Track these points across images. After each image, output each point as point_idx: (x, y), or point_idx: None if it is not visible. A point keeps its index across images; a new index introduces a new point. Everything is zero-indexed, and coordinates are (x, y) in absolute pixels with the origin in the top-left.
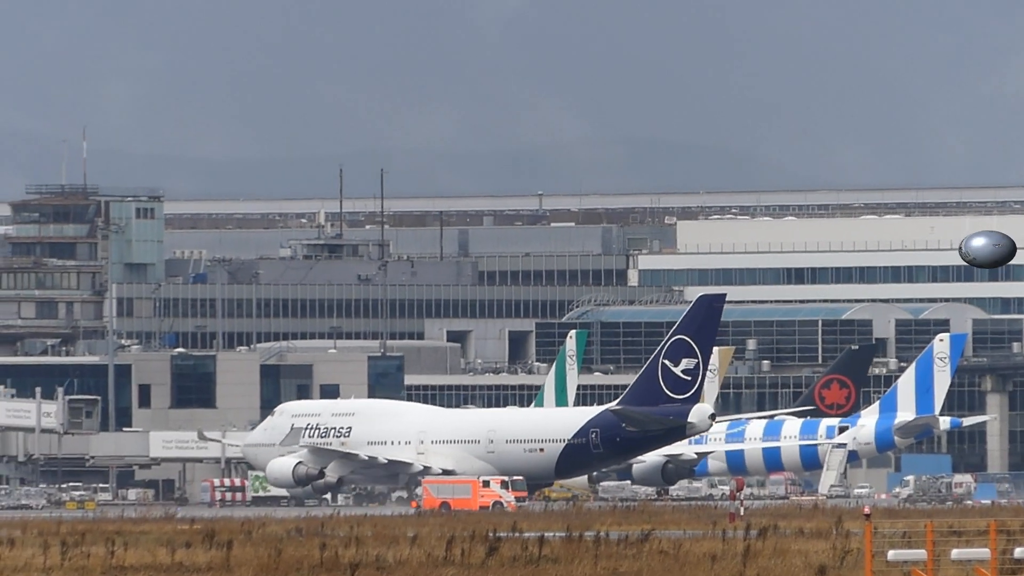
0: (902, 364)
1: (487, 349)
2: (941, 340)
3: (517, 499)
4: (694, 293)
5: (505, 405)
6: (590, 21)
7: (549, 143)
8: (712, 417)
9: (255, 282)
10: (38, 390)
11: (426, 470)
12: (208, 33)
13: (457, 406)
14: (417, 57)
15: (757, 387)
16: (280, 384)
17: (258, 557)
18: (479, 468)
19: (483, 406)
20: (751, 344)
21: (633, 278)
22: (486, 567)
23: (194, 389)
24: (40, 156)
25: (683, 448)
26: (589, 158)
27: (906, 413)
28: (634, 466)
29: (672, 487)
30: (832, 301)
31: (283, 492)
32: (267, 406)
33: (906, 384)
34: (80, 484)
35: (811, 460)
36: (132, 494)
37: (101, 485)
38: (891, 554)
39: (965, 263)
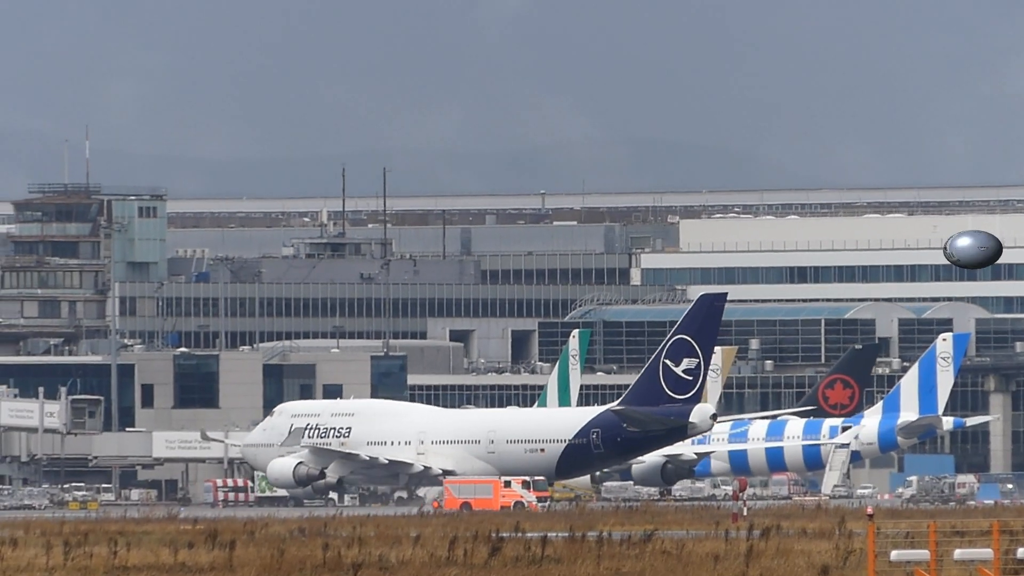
0: (905, 364)
1: (490, 349)
2: (944, 340)
3: (539, 499)
4: (697, 292)
5: (508, 405)
6: (592, 20)
7: (552, 142)
8: (714, 417)
9: (258, 281)
10: (41, 390)
11: (426, 470)
12: (211, 33)
13: (460, 406)
14: (420, 56)
15: (760, 387)
16: (283, 384)
17: (261, 557)
18: (479, 468)
19: (486, 406)
20: (754, 344)
21: (636, 277)
22: (489, 567)
23: (197, 389)
24: (43, 155)
25: (682, 448)
26: (592, 157)
27: (909, 413)
28: (633, 466)
29: (673, 487)
30: (835, 300)
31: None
32: (270, 406)
33: (909, 384)
34: (83, 484)
35: (814, 460)
36: (135, 494)
37: (104, 485)
38: (894, 554)
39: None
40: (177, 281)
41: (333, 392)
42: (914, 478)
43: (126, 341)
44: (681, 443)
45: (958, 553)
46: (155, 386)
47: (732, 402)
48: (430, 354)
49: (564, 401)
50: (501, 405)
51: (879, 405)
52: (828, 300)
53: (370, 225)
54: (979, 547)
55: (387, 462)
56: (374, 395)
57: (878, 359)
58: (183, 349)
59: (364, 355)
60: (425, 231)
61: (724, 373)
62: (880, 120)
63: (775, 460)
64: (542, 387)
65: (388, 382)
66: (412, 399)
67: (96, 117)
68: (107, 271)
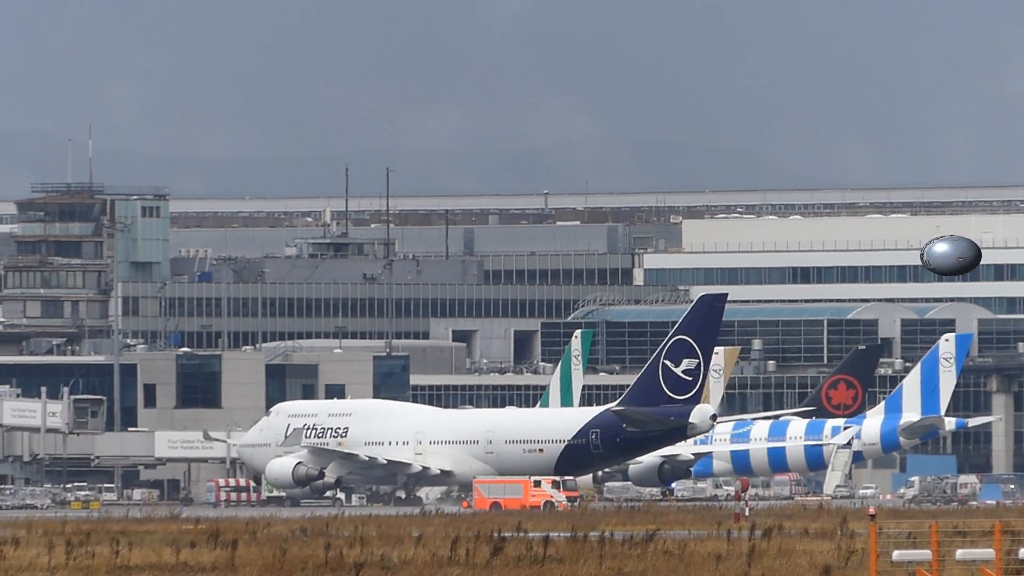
0: (907, 364)
1: (492, 349)
2: (947, 340)
3: (568, 499)
4: (700, 292)
5: (511, 405)
6: (594, 20)
7: (554, 142)
8: (713, 418)
9: (260, 281)
10: (43, 390)
11: (425, 471)
12: (213, 33)
13: (459, 406)
14: (422, 56)
15: (762, 387)
16: (285, 384)
17: (263, 557)
18: (478, 469)
19: (488, 406)
20: (756, 344)
21: (639, 277)
22: (491, 567)
23: (199, 389)
24: (46, 155)
25: (679, 449)
26: (594, 157)
27: (911, 413)
28: (631, 467)
29: (670, 487)
30: (837, 301)
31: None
32: (272, 406)
33: (911, 384)
34: (85, 484)
35: (816, 461)
36: (137, 494)
37: (106, 485)
38: (896, 554)
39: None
40: (180, 281)
41: (335, 392)
42: (916, 478)
43: (129, 341)
44: (679, 444)
45: (960, 553)
46: (157, 386)
47: (734, 402)
48: (433, 354)
49: (566, 401)
50: (503, 405)
51: (881, 405)
52: (831, 300)
53: (373, 225)
54: (981, 547)
55: (386, 462)
56: (377, 395)
57: (880, 359)
58: (185, 349)
59: (367, 355)
60: (428, 231)
61: (726, 373)
62: (882, 120)
63: (777, 460)
64: (544, 387)
65: (391, 382)
66: (415, 399)
67: (98, 117)
68: (110, 271)
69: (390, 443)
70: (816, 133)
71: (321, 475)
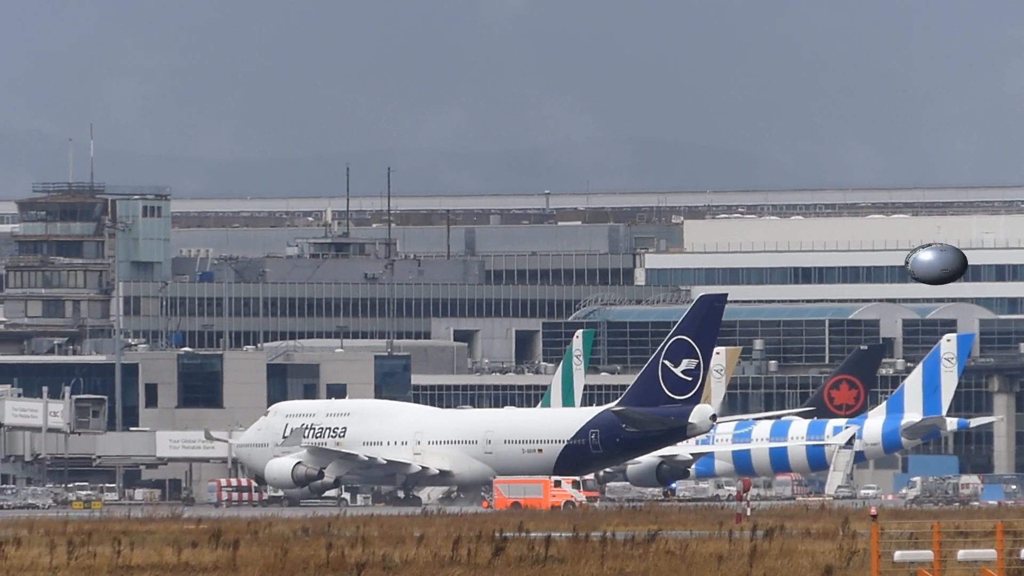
0: (909, 364)
1: (494, 348)
2: (948, 340)
3: (588, 499)
4: (701, 292)
5: (513, 405)
6: (595, 20)
7: (555, 142)
8: (713, 418)
9: (262, 281)
10: (45, 389)
11: (424, 471)
12: (215, 33)
13: (457, 406)
14: (424, 56)
15: (764, 387)
16: (287, 383)
17: (264, 557)
18: (477, 469)
19: (490, 406)
20: (758, 344)
21: (640, 277)
22: (492, 567)
23: (201, 388)
24: (47, 155)
25: (678, 449)
26: (595, 157)
27: (913, 414)
28: (629, 467)
29: (669, 487)
30: (839, 301)
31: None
32: (274, 406)
33: (913, 384)
34: (87, 484)
35: (818, 461)
36: (139, 494)
37: (108, 485)
38: (898, 555)
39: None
40: (181, 281)
41: (337, 392)
42: (918, 479)
43: (130, 340)
44: (679, 444)
45: (962, 554)
46: (159, 385)
47: (736, 402)
48: (434, 354)
49: (568, 401)
50: (505, 405)
51: (883, 406)
52: (832, 301)
53: (374, 225)
54: (983, 548)
55: (385, 462)
56: (378, 395)
57: (882, 360)
58: (187, 349)
59: (368, 355)
60: (429, 231)
61: (728, 373)
62: (883, 120)
63: (779, 460)
64: (546, 387)
65: (392, 382)
66: (416, 399)
67: (99, 117)
68: (111, 271)
69: (388, 443)
70: (817, 133)
71: (320, 475)
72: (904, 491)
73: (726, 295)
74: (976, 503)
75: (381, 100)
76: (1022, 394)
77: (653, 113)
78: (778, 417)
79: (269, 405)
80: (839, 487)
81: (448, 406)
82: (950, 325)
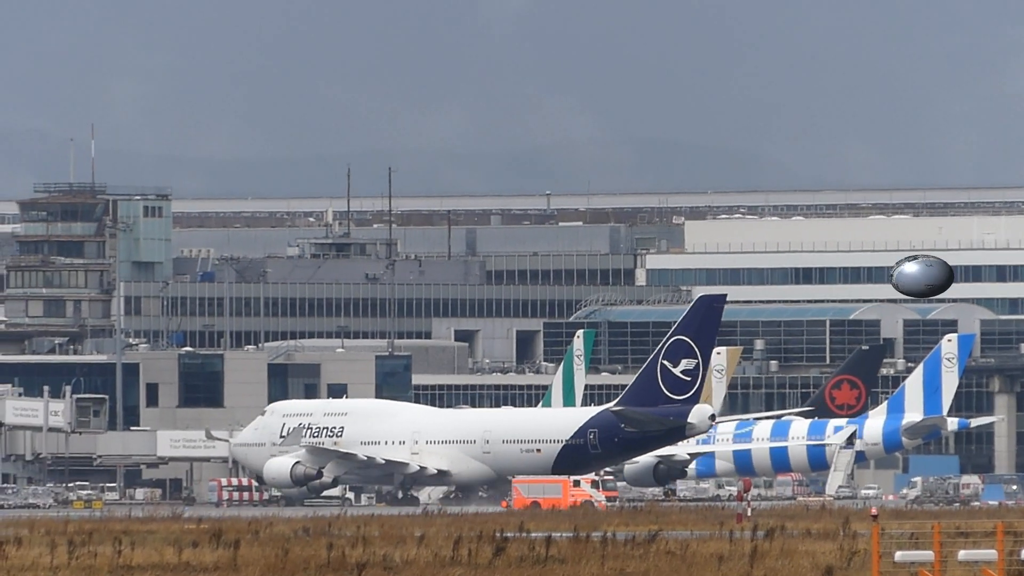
0: (910, 364)
1: (495, 349)
2: (949, 340)
3: (608, 499)
4: (702, 293)
5: (513, 405)
6: (595, 20)
7: (557, 142)
8: (712, 418)
9: (263, 281)
10: (46, 389)
11: (422, 470)
12: (215, 33)
13: (455, 406)
14: (424, 56)
15: (765, 387)
16: (288, 383)
17: (265, 557)
18: (474, 469)
19: (490, 406)
20: (759, 344)
21: (641, 278)
22: (493, 567)
23: (202, 388)
24: (48, 155)
25: (675, 448)
26: (595, 157)
27: (914, 414)
28: (626, 467)
29: (668, 488)
30: (840, 301)
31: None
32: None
33: (914, 385)
34: (87, 483)
35: (818, 461)
36: (139, 493)
37: (108, 484)
38: (898, 555)
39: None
40: (182, 281)
41: (338, 392)
42: (918, 479)
43: (131, 340)
44: (678, 444)
45: (962, 554)
46: (160, 385)
47: (736, 402)
48: (435, 354)
49: (569, 401)
50: (506, 405)
51: (883, 406)
52: (833, 301)
53: (375, 225)
54: (983, 548)
55: (384, 462)
56: (379, 395)
57: (883, 360)
58: (188, 348)
59: (369, 355)
60: (430, 231)
61: (729, 373)
62: (883, 120)
63: (779, 460)
64: (547, 387)
65: (393, 382)
66: (417, 399)
67: (100, 117)
68: (112, 271)
69: (386, 443)
70: (817, 133)
71: (319, 475)
72: (905, 491)
73: (725, 295)
74: (977, 503)
75: (381, 100)
76: (1023, 394)
77: (653, 113)
78: (779, 417)
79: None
80: (840, 487)
81: (449, 406)
82: (951, 325)
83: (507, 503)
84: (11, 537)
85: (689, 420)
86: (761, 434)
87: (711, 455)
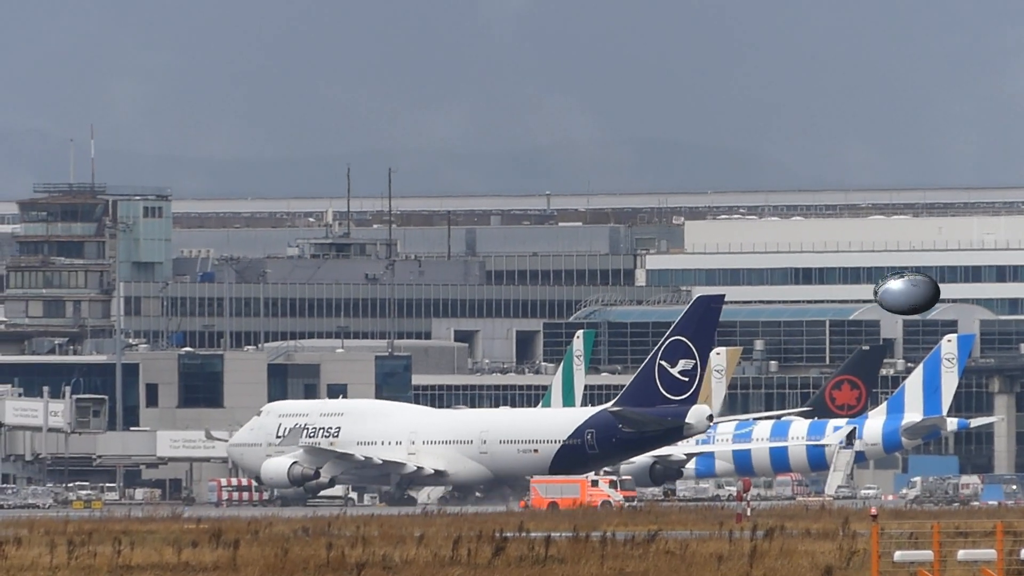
0: (909, 365)
1: (494, 349)
2: (949, 341)
3: (626, 499)
4: (701, 293)
5: (513, 405)
6: (596, 20)
7: (556, 143)
8: (710, 418)
9: (262, 281)
10: (46, 389)
11: (419, 470)
12: (216, 33)
13: (452, 406)
14: (424, 56)
15: (764, 387)
16: (287, 383)
17: (264, 557)
18: (471, 469)
19: (490, 406)
20: (759, 344)
21: (641, 278)
22: (492, 567)
23: (201, 388)
24: (48, 155)
25: (671, 449)
26: (596, 157)
27: (913, 414)
28: (622, 467)
29: (667, 488)
30: (840, 302)
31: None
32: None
33: (913, 385)
34: (87, 483)
35: (818, 461)
36: (139, 493)
37: (108, 484)
38: (898, 555)
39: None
40: (182, 281)
41: (338, 392)
42: (918, 479)
43: (131, 341)
44: (677, 444)
45: (962, 554)
46: (159, 385)
47: (736, 403)
48: (434, 354)
49: (568, 402)
50: (506, 405)
51: (883, 406)
52: (833, 301)
53: (375, 225)
54: (983, 548)
55: (381, 462)
56: (379, 395)
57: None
58: (187, 349)
59: (368, 355)
60: (430, 231)
61: (728, 374)
62: (883, 120)
63: (779, 460)
64: (546, 387)
65: (392, 382)
66: (416, 399)
67: (100, 117)
68: (112, 271)
69: (382, 443)
70: (817, 133)
71: (317, 475)
72: (904, 491)
73: (723, 296)
74: (976, 503)
75: (381, 100)
76: (1022, 395)
77: (653, 113)
78: (778, 417)
79: None
80: (839, 487)
81: (449, 406)
82: (951, 326)
83: (525, 503)
84: (11, 537)
85: (687, 420)
86: (761, 434)
87: (711, 455)
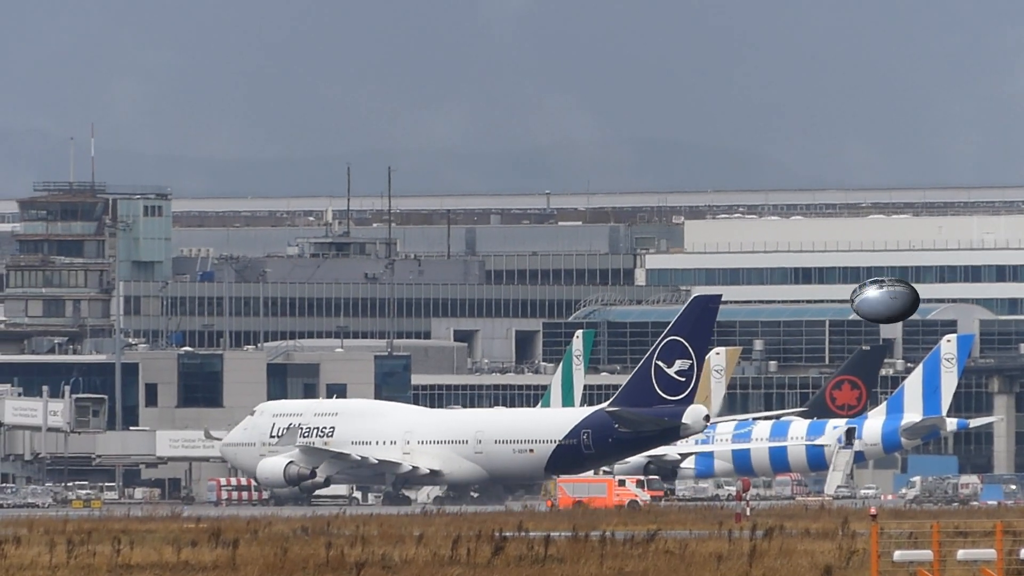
0: (909, 365)
1: (494, 348)
2: (948, 341)
3: (653, 498)
4: (700, 293)
5: (512, 405)
6: (596, 20)
7: (556, 142)
8: (706, 418)
9: (262, 280)
10: (45, 388)
11: (414, 470)
12: (217, 32)
13: (465, 406)
14: (424, 56)
15: (764, 387)
16: (287, 383)
17: (264, 556)
18: (467, 469)
19: (490, 406)
20: (758, 344)
21: (640, 277)
22: (492, 567)
23: (201, 388)
24: (48, 154)
25: (666, 448)
26: (596, 157)
27: (913, 414)
28: (616, 466)
29: (667, 487)
30: (839, 301)
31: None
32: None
33: (913, 385)
34: (86, 483)
35: (817, 461)
36: (138, 493)
37: (107, 484)
38: (897, 555)
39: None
40: (182, 280)
41: (338, 392)
42: (917, 479)
43: (130, 340)
44: (672, 444)
45: (961, 554)
46: (159, 385)
47: (736, 403)
48: (434, 354)
49: (568, 401)
50: (505, 405)
51: (883, 406)
52: (832, 301)
53: (375, 225)
54: (982, 548)
55: (377, 462)
56: (378, 395)
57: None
58: (187, 348)
59: (368, 355)
60: (430, 231)
61: (728, 373)
62: (883, 120)
63: (779, 460)
64: (546, 387)
65: (392, 382)
66: (416, 399)
67: (100, 116)
68: (112, 270)
69: (377, 443)
70: (817, 133)
71: (313, 474)
72: (904, 491)
73: (720, 296)
74: (975, 503)
75: (381, 100)
76: (1022, 395)
77: (653, 113)
78: (777, 417)
79: None
80: (839, 487)
81: (448, 406)
82: (950, 326)
83: (552, 502)
84: (10, 536)
85: (683, 421)
86: (760, 434)
87: (710, 455)
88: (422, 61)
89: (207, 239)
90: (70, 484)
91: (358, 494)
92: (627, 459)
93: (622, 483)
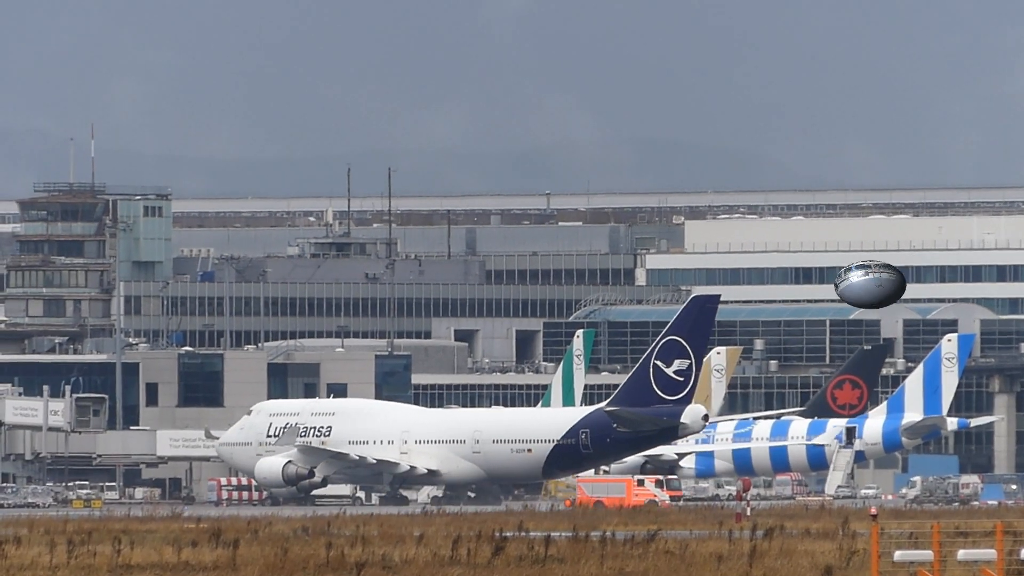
0: (910, 364)
1: (494, 348)
2: (949, 340)
3: (672, 498)
4: (699, 293)
5: (512, 405)
6: (596, 20)
7: (557, 142)
8: (705, 418)
9: (263, 280)
10: (46, 388)
11: (412, 470)
12: (215, 32)
13: (465, 406)
14: (424, 56)
15: (764, 387)
16: (287, 383)
17: (264, 556)
18: (465, 468)
19: (490, 405)
20: (759, 344)
21: (641, 277)
22: (492, 567)
23: (201, 388)
24: (48, 154)
25: (662, 448)
26: (596, 157)
27: (913, 414)
28: (613, 466)
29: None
30: (840, 301)
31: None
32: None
33: (914, 384)
34: (87, 483)
35: (818, 460)
36: (139, 493)
37: (108, 484)
38: (897, 555)
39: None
40: (182, 280)
41: (338, 391)
42: (918, 478)
43: (131, 340)
44: (671, 443)
45: (962, 554)
46: (159, 385)
47: (736, 402)
48: (434, 354)
49: (568, 401)
50: (506, 405)
51: (883, 405)
52: (833, 301)
53: (375, 225)
54: (983, 548)
55: (375, 462)
56: (379, 394)
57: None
58: (188, 348)
59: (368, 354)
60: (430, 231)
61: (728, 373)
62: (884, 120)
63: (779, 460)
64: (546, 387)
65: (392, 381)
66: (416, 399)
67: (100, 116)
68: (112, 270)
69: (374, 442)
70: (817, 133)
71: (311, 474)
72: (904, 491)
73: (719, 296)
74: (976, 503)
75: (381, 100)
76: (1022, 394)
77: (653, 113)
78: (778, 417)
79: None
80: (839, 487)
81: (448, 406)
82: (951, 325)
83: (571, 502)
84: (10, 536)
85: (682, 420)
86: (761, 434)
87: (710, 454)
88: (422, 61)
89: (207, 239)
90: (70, 484)
91: (361, 494)
92: (624, 459)
93: (641, 483)
